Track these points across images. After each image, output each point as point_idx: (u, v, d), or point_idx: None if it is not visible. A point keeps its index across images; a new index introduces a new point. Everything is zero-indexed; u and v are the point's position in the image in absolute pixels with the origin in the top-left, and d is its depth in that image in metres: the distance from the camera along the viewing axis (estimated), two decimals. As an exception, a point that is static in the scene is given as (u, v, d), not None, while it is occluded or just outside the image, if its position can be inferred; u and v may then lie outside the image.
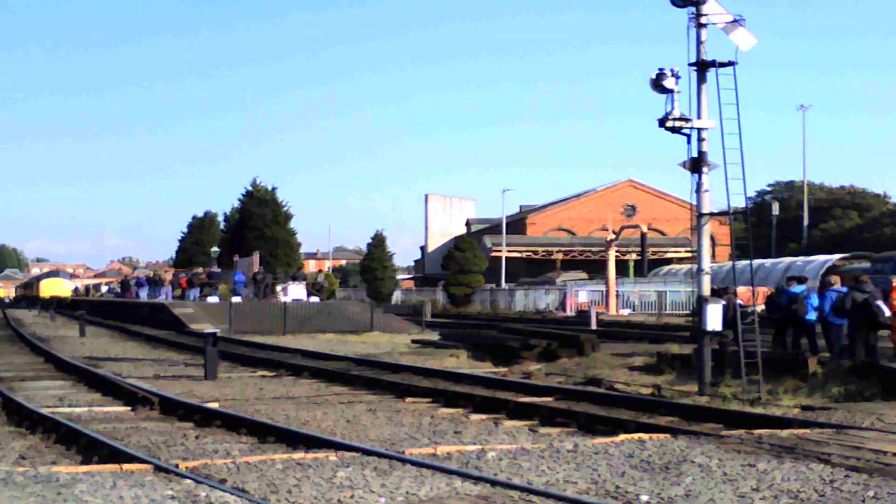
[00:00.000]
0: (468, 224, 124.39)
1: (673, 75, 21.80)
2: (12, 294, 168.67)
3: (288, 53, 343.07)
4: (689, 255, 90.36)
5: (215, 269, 75.02)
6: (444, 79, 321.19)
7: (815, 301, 24.62)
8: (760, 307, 27.91)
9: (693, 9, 21.77)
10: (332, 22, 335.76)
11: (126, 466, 12.19)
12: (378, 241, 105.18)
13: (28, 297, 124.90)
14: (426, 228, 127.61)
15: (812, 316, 24.65)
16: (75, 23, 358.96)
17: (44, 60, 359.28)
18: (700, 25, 21.83)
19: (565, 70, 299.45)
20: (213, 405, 20.03)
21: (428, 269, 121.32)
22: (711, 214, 22.35)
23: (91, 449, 14.89)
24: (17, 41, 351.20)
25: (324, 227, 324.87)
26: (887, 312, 22.43)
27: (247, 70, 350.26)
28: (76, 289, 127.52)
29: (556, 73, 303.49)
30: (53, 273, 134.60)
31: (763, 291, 35.33)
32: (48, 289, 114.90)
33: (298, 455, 12.98)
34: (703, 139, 21.91)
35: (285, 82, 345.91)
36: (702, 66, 21.86)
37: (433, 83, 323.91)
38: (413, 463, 12.29)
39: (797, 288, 25.17)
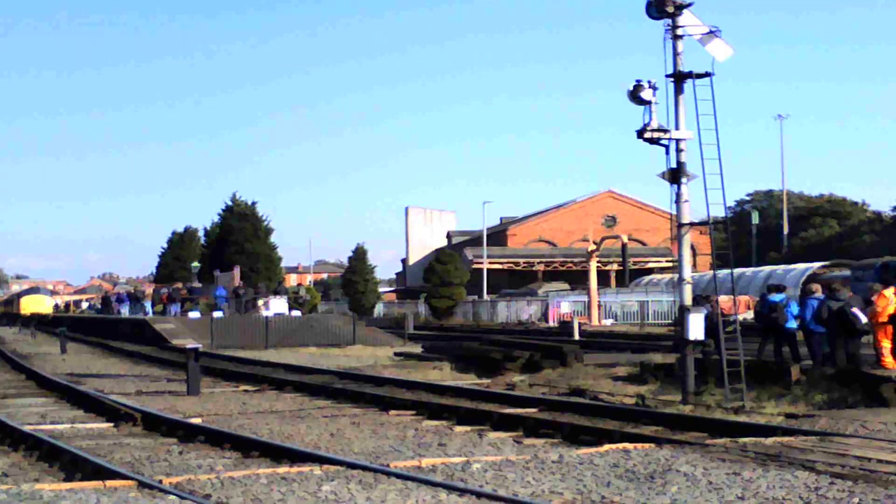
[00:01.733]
0: (449, 236, 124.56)
1: (650, 87, 21.84)
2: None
3: (268, 73, 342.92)
4: (671, 264, 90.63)
5: (196, 284, 74.87)
6: (423, 94, 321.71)
7: (794, 309, 24.71)
8: (742, 315, 28.00)
9: (669, 21, 21.82)
10: (311, 41, 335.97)
11: (109, 483, 12.12)
12: (359, 255, 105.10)
13: (8, 314, 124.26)
14: (407, 241, 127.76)
15: (792, 324, 24.72)
16: (56, 43, 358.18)
17: (23, 79, 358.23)
18: (676, 37, 21.89)
19: (544, 82, 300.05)
20: (197, 420, 19.94)
21: (409, 281, 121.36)
22: (691, 224, 22.39)
23: (74, 466, 14.80)
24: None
25: (304, 241, 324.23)
26: (864, 319, 22.51)
27: (227, 90, 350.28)
28: (57, 305, 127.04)
29: (535, 86, 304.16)
30: (34, 290, 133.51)
31: (744, 300, 35.47)
32: (29, 306, 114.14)
33: (283, 469, 12.94)
34: (682, 150, 21.96)
35: (265, 102, 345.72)
36: (679, 78, 21.92)
37: (413, 98, 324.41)
38: (398, 476, 12.27)
39: (776, 296, 25.27)
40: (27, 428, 18.67)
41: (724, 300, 25.42)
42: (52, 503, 10.73)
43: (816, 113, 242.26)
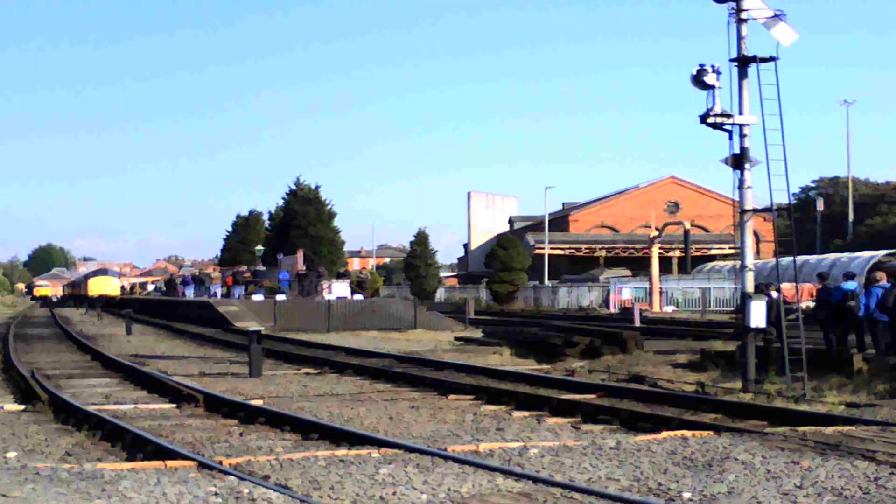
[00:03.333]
0: (511, 221, 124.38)
1: (714, 71, 21.70)
2: (60, 293, 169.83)
3: (329, 45, 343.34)
4: (733, 251, 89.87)
5: (260, 267, 75.37)
6: (487, 73, 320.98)
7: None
8: (805, 304, 27.75)
9: (733, 4, 21.67)
10: (377, 8, 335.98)
11: (170, 463, 12.26)
12: (421, 239, 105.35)
13: (76, 295, 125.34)
14: (469, 226, 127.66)
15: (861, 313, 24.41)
16: (113, 14, 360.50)
17: (80, 51, 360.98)
18: (741, 21, 21.72)
19: (606, 64, 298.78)
20: (258, 402, 20.13)
21: (471, 266, 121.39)
22: (754, 211, 22.23)
23: (136, 446, 15.02)
24: (53, 32, 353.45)
25: (367, 226, 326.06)
26: None
27: (288, 61, 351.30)
28: (123, 287, 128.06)
29: (598, 67, 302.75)
30: (102, 271, 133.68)
31: (807, 288, 35.03)
32: (97, 287, 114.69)
33: (341, 452, 13.02)
34: (745, 135, 21.81)
35: (328, 75, 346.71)
36: (743, 62, 21.75)
37: (478, 77, 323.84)
38: (455, 460, 12.30)
39: (850, 284, 24.90)
40: (91, 408, 18.94)
41: (786, 288, 25.21)
42: (114, 482, 10.86)
43: (883, 98, 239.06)
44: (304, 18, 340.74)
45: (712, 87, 21.74)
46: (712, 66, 21.73)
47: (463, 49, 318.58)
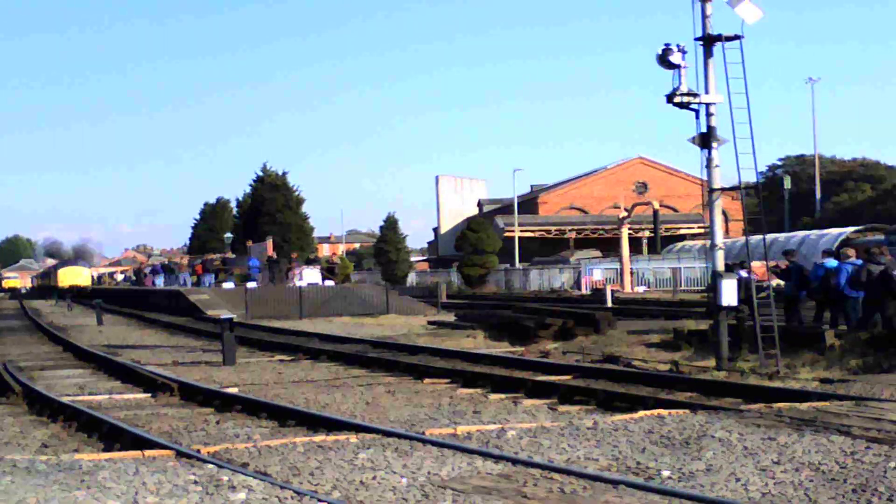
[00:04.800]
0: (480, 205, 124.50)
1: (679, 50, 21.73)
2: (28, 284, 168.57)
3: (291, 36, 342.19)
4: (702, 231, 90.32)
5: (230, 255, 75.19)
6: (451, 57, 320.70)
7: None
8: (776, 282, 27.89)
9: (698, -18, 21.69)
10: (334, 4, 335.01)
11: (148, 453, 12.23)
12: (391, 224, 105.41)
13: (46, 286, 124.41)
14: (438, 210, 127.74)
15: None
16: (78, 4, 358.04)
17: (47, 41, 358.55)
18: (705, -1, 21.76)
19: (571, 45, 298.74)
20: (233, 390, 20.11)
21: (441, 250, 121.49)
22: (723, 190, 22.31)
23: (113, 436, 14.97)
24: (11, 26, 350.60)
25: (336, 211, 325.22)
26: None
27: (255, 53, 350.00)
28: (93, 277, 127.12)
29: (562, 49, 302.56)
30: (72, 262, 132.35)
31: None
32: (67, 278, 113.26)
33: (319, 438, 13.02)
34: (712, 114, 21.87)
35: (292, 68, 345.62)
36: (708, 41, 21.79)
37: (443, 62, 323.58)
38: (434, 443, 12.33)
39: (831, 262, 25.03)
40: (65, 399, 18.85)
41: (758, 266, 25.32)
42: (92, 473, 10.83)
43: (848, 75, 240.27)
44: (271, 10, 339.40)
45: (678, 66, 21.78)
46: (678, 46, 21.76)
47: (429, 35, 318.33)
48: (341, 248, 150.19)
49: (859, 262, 23.77)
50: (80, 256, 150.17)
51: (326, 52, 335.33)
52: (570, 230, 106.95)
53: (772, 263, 25.75)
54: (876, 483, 9.86)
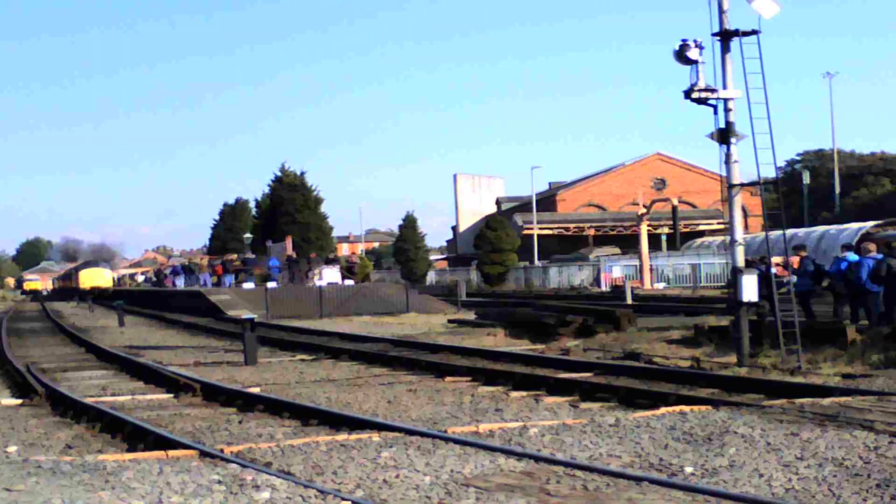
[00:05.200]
0: (498, 203, 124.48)
1: (697, 46, 21.66)
2: (50, 286, 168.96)
3: (315, 31, 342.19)
4: (722, 226, 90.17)
5: (249, 255, 75.30)
6: (470, 53, 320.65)
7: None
8: (796, 277, 27.82)
9: (714, -23, 21.64)
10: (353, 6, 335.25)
11: (172, 453, 12.29)
12: (409, 223, 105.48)
13: (67, 288, 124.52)
14: (456, 208, 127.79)
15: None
16: (97, 4, 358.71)
17: (65, 42, 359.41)
18: (722, -6, 21.69)
19: (590, 41, 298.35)
20: (255, 390, 20.16)
21: (460, 248, 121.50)
22: (742, 185, 22.25)
23: (136, 437, 15.03)
24: (24, 20, 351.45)
25: (354, 211, 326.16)
26: None
27: (269, 51, 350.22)
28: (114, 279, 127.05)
29: (580, 45, 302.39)
30: (93, 263, 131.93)
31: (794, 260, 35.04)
32: (88, 279, 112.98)
33: (342, 437, 13.06)
34: (730, 109, 21.79)
35: (312, 61, 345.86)
36: (725, 36, 21.71)
37: (460, 58, 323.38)
38: (456, 441, 12.35)
39: (854, 256, 24.96)
40: (89, 400, 18.94)
41: (777, 261, 25.25)
42: (116, 474, 10.88)
43: (867, 69, 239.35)
44: (286, 6, 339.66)
45: (695, 62, 21.71)
46: (695, 41, 21.69)
47: (446, 31, 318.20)
48: (360, 248, 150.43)
49: (880, 256, 23.70)
50: (100, 256, 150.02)
51: (346, 50, 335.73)
52: (588, 227, 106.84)
53: (777, 259, 25.59)
54: (900, 478, 9.85)
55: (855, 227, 63.62)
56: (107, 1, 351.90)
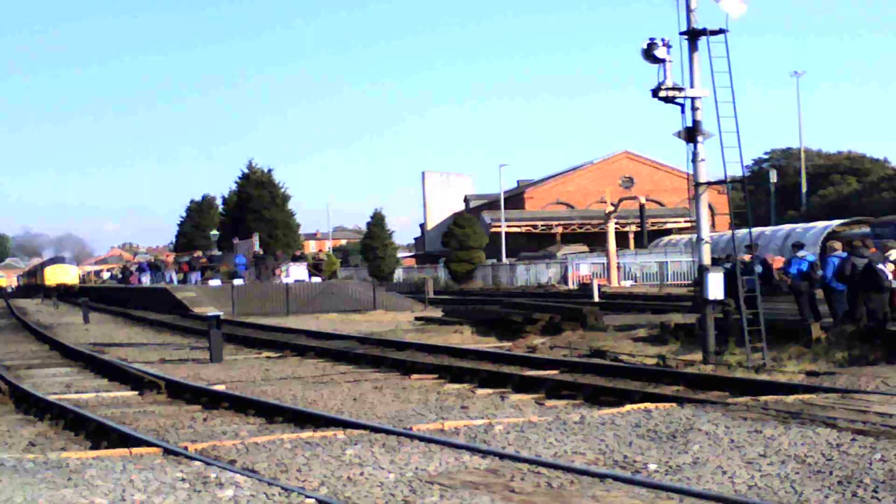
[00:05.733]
0: (466, 200, 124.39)
1: (664, 45, 21.72)
2: (14, 283, 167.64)
3: (279, 33, 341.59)
4: (689, 224, 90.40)
5: (216, 252, 75.06)
6: (439, 55, 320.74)
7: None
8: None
9: (682, -24, 21.69)
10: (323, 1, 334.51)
11: (135, 450, 12.23)
12: (377, 220, 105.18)
13: (32, 285, 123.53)
14: (424, 206, 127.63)
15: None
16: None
17: (30, 38, 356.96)
18: (690, -7, 21.75)
19: (557, 40, 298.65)
20: (220, 387, 20.09)
21: (428, 246, 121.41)
22: (708, 184, 22.32)
23: (100, 434, 14.95)
24: None
25: (322, 208, 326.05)
26: (890, 276, 22.51)
27: (242, 49, 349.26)
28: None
29: (548, 44, 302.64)
30: (59, 259, 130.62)
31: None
32: (54, 276, 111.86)
33: (307, 434, 13.04)
34: (698, 108, 21.86)
35: (279, 64, 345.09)
36: (692, 35, 21.76)
37: (429, 59, 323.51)
38: (421, 439, 12.35)
39: (812, 255, 25.17)
40: (52, 397, 18.83)
41: (780, 260, 25.33)
42: (80, 471, 10.83)
43: (834, 68, 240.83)
44: (258, 7, 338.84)
45: (663, 60, 21.77)
46: (662, 40, 21.75)
47: (414, 31, 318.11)
48: (328, 245, 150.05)
49: (845, 254, 23.83)
50: (66, 246, 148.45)
51: (313, 50, 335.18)
52: (556, 225, 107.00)
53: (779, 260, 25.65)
54: (861, 475, 9.90)
55: (821, 226, 63.99)
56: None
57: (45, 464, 11.34)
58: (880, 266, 22.67)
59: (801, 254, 25.58)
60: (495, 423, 13.57)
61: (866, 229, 55.82)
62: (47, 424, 16.79)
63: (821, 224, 65.54)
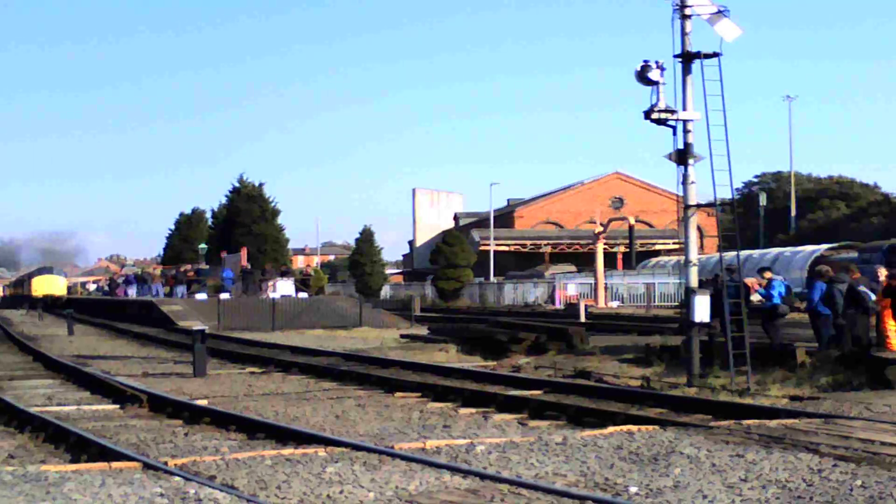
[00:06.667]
0: (456, 218, 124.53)
1: (658, 67, 21.77)
2: (0, 293, 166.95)
3: (271, 51, 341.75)
4: (677, 246, 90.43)
5: (203, 265, 74.97)
6: (430, 73, 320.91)
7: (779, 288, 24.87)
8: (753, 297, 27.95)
9: (677, 0, 21.77)
10: (315, 18, 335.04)
11: (115, 464, 12.17)
12: (366, 236, 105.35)
13: (19, 296, 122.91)
14: (414, 223, 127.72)
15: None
16: (56, 19, 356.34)
17: (21, 54, 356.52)
18: (684, 17, 21.80)
19: (552, 62, 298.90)
20: (203, 402, 20.02)
21: (416, 263, 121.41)
22: (698, 206, 22.35)
23: (80, 447, 14.87)
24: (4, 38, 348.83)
25: (311, 223, 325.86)
26: (873, 297, 22.58)
27: (232, 67, 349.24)
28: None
29: (540, 65, 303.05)
30: (47, 269, 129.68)
31: (751, 282, 35.27)
32: (42, 287, 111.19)
33: (288, 451, 12.99)
34: (689, 131, 21.91)
35: (270, 79, 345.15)
36: (686, 58, 21.84)
37: (420, 77, 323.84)
38: (402, 457, 12.31)
39: (778, 279, 25.31)
40: (34, 409, 18.75)
41: (751, 281, 25.31)
42: (58, 484, 10.77)
43: (826, 93, 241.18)
44: (248, 28, 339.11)
45: (656, 83, 21.81)
46: (656, 63, 21.80)
47: (405, 52, 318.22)
48: (316, 260, 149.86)
49: (825, 284, 23.95)
50: (54, 250, 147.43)
51: (303, 68, 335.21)
52: (545, 244, 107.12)
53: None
54: (842, 501, 9.89)
55: (810, 250, 64.13)
56: (65, 17, 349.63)
57: (24, 476, 11.28)
58: (861, 287, 22.78)
59: (768, 275, 25.56)
60: (477, 442, 13.53)
61: (854, 254, 55.96)
62: (27, 437, 16.69)
63: (809, 248, 65.67)
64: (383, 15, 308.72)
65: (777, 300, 24.72)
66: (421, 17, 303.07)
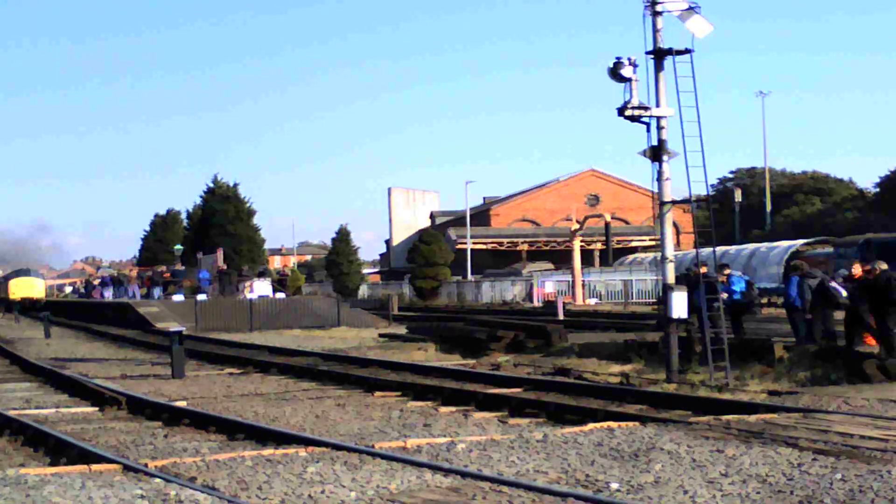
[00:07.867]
0: (432, 217, 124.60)
1: (630, 64, 21.81)
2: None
3: (246, 54, 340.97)
4: (654, 243, 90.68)
5: (180, 267, 74.74)
6: (404, 73, 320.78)
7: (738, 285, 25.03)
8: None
9: (648, -3, 21.81)
10: (291, 21, 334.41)
11: (95, 467, 12.13)
12: (343, 236, 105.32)
13: None
14: (390, 222, 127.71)
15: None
16: (28, 19, 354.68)
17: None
18: (656, 13, 21.82)
19: (525, 60, 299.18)
20: (181, 404, 19.96)
21: (393, 262, 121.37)
22: (673, 202, 22.40)
23: (59, 450, 14.80)
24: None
25: (287, 223, 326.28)
26: (843, 293, 22.73)
27: (208, 70, 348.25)
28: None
29: (516, 64, 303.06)
30: (24, 272, 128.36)
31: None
32: (19, 289, 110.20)
33: (268, 451, 12.96)
34: (663, 127, 21.95)
35: (246, 82, 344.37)
36: (658, 55, 21.87)
37: (394, 78, 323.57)
38: (383, 457, 12.31)
39: (738, 275, 25.59)
40: (11, 413, 18.64)
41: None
42: (38, 488, 10.73)
43: (799, 88, 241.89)
44: (221, 30, 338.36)
45: (629, 79, 21.85)
46: (629, 59, 21.84)
47: (381, 52, 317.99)
48: (293, 260, 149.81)
49: (797, 279, 24.10)
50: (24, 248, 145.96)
51: (278, 70, 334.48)
52: (522, 242, 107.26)
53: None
54: (822, 495, 9.94)
55: (785, 245, 64.30)
56: (37, 17, 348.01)
57: (3, 480, 11.23)
58: (832, 283, 22.94)
59: (727, 272, 25.60)
60: (458, 441, 13.53)
61: (829, 249, 56.18)
62: (6, 440, 16.60)
63: (784, 243, 65.86)
64: (356, 18, 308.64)
65: (738, 296, 24.80)
66: (394, 18, 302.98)
